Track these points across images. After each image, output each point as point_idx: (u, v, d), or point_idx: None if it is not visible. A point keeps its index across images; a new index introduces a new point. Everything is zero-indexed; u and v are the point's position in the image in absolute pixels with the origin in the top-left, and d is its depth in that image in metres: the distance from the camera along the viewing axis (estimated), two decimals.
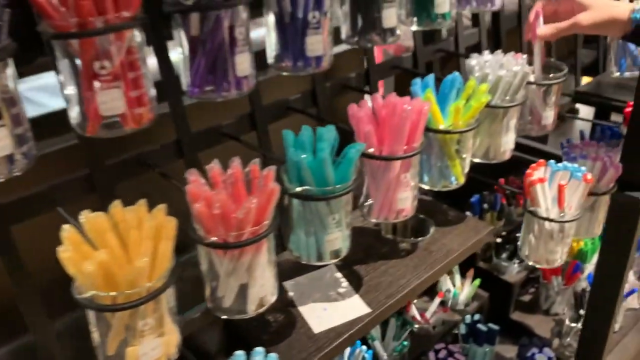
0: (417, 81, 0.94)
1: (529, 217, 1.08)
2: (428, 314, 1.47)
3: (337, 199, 0.75)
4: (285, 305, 0.91)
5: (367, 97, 0.85)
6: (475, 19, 1.33)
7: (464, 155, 0.96)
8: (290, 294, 0.94)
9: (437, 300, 1.48)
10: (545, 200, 1.05)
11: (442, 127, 0.91)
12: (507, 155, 1.05)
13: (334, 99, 1.14)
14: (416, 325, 1.46)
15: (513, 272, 1.55)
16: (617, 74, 1.25)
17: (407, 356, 1.37)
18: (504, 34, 1.36)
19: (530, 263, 1.12)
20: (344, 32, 0.88)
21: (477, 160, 1.05)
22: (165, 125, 0.80)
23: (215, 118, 0.95)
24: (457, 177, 0.97)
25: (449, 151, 0.93)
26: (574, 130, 2.26)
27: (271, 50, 0.79)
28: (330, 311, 0.90)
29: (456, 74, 0.93)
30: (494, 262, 1.59)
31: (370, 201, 0.88)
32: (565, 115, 1.95)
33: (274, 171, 0.70)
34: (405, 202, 0.86)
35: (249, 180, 0.72)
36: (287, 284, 0.96)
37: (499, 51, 1.02)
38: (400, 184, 0.85)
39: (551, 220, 1.04)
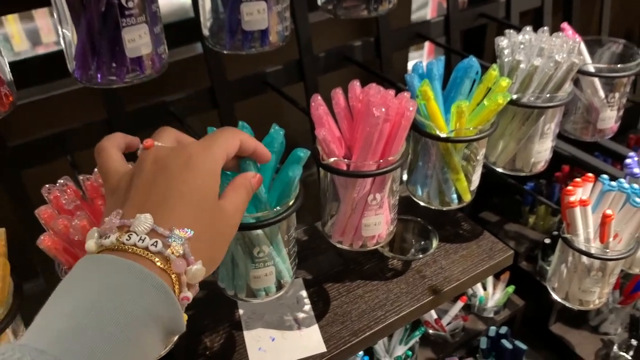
0: (419, 65, 0.71)
1: (563, 245, 0.84)
2: (445, 320, 1.28)
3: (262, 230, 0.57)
4: (229, 325, 0.77)
5: (338, 90, 0.64)
6: None
7: (474, 167, 0.73)
8: (240, 310, 0.79)
9: (459, 304, 1.29)
10: (585, 229, 0.81)
11: (441, 133, 0.68)
12: (539, 168, 0.81)
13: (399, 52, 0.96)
14: (431, 331, 1.28)
15: None
16: None
17: None
18: None
19: (558, 299, 0.89)
20: None
21: (499, 169, 0.82)
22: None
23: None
24: (462, 195, 0.75)
25: (452, 162, 0.71)
26: None
27: None
28: (277, 343, 0.74)
29: (472, 58, 0.70)
30: (538, 265, 1.35)
31: (333, 219, 0.69)
32: None
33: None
34: (376, 228, 0.67)
35: None
36: None
37: (544, 29, 0.75)
38: (368, 207, 0.65)
39: (590, 255, 0.81)
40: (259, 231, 0.57)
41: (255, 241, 0.57)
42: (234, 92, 0.80)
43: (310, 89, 0.85)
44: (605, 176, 0.82)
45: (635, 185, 0.81)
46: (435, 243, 0.88)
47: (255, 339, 0.74)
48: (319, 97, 0.63)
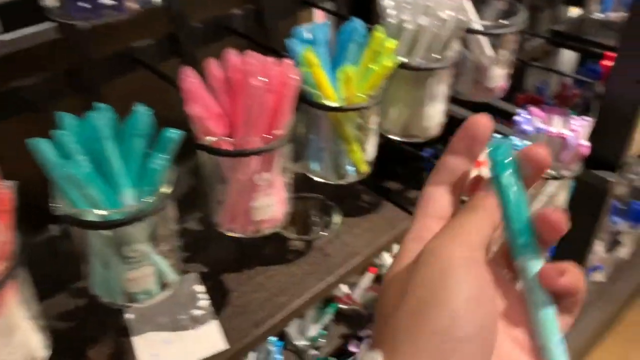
0: (300, 31, 0.66)
1: None
2: (357, 294, 1.26)
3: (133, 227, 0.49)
4: (117, 332, 0.69)
5: (210, 61, 0.57)
6: None
7: (368, 136, 0.70)
8: (129, 315, 0.71)
9: (369, 276, 1.27)
10: None
11: (330, 103, 0.63)
12: (432, 132, 0.79)
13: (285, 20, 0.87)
14: (342, 305, 1.26)
15: None
16: (600, 14, 0.96)
17: (326, 346, 1.17)
18: None
19: None
20: None
21: (393, 137, 0.79)
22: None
23: None
24: (357, 166, 0.71)
25: (344, 133, 0.67)
26: (560, 63, 1.96)
27: None
28: (173, 346, 0.67)
29: (356, 21, 0.65)
30: None
31: (221, 205, 0.63)
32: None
33: None
34: (268, 210, 0.61)
35: None
36: None
37: None
38: (256, 189, 0.59)
39: None
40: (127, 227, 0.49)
41: (124, 239, 0.50)
42: (99, 72, 0.71)
43: (189, 64, 0.77)
44: (497, 135, 0.82)
45: (527, 142, 0.82)
46: (337, 219, 0.85)
47: (148, 344, 0.67)
48: (190, 70, 0.56)
